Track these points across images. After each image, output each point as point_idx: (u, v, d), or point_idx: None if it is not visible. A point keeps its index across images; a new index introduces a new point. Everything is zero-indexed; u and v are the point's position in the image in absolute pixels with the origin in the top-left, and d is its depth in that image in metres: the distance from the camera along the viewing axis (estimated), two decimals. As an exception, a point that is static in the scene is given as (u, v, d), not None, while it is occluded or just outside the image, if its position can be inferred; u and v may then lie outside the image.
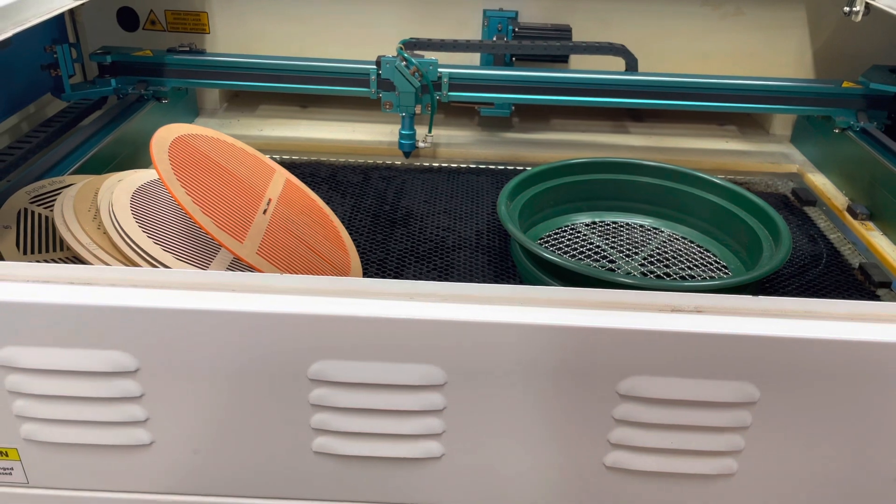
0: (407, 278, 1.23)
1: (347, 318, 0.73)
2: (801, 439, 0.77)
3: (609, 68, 1.67)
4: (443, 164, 1.67)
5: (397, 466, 0.82)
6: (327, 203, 1.34)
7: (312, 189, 1.35)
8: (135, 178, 1.15)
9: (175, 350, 0.75)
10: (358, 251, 1.28)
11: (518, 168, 1.64)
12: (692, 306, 0.74)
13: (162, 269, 0.97)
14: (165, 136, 1.10)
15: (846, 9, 1.51)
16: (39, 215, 1.11)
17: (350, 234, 1.31)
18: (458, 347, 0.74)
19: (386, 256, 1.30)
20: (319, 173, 1.59)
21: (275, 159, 1.44)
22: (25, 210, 1.11)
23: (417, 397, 0.77)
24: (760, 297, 0.75)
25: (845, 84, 1.61)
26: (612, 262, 1.28)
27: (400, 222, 1.41)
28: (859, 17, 1.49)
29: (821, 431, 0.77)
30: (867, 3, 1.47)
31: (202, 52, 1.68)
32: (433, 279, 1.23)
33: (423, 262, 1.29)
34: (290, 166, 1.58)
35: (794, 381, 0.74)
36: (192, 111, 1.82)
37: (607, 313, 0.73)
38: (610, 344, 0.73)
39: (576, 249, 1.31)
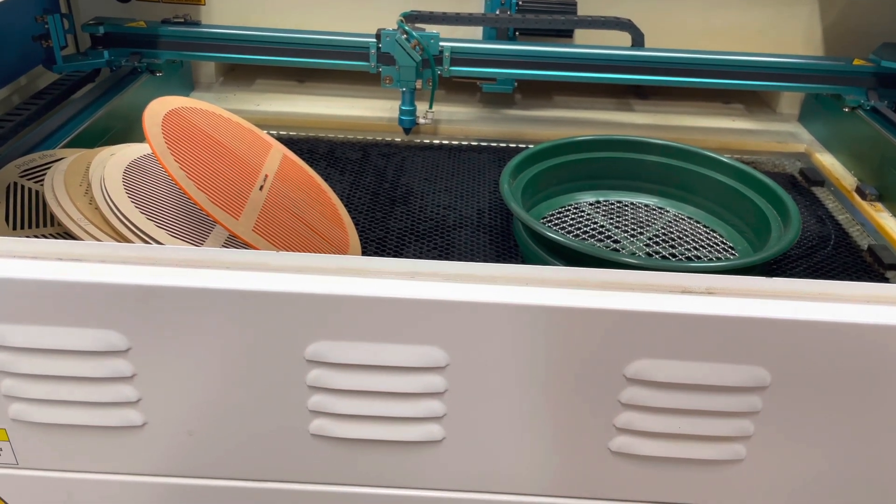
0: (407, 257, 1.20)
1: (346, 298, 0.71)
2: (812, 425, 0.75)
3: (615, 43, 1.63)
4: (444, 141, 1.64)
5: (397, 450, 0.80)
6: (325, 180, 1.31)
7: (310, 165, 1.32)
8: (128, 153, 1.12)
9: (167, 329, 0.73)
10: (357, 229, 1.25)
11: (521, 146, 1.61)
12: (703, 287, 0.71)
13: (154, 245, 0.95)
14: (159, 109, 1.07)
15: (859, -17, 1.47)
16: (29, 190, 1.08)
17: (349, 211, 1.28)
18: (460, 328, 0.72)
19: (385, 235, 1.27)
20: (317, 149, 1.56)
21: (272, 135, 1.41)
22: (15, 184, 1.08)
23: (418, 379, 0.75)
24: (774, 278, 0.72)
25: (856, 62, 1.57)
26: (616, 241, 1.25)
27: (400, 200, 1.38)
28: (873, -8, 1.45)
29: (833, 417, 0.74)
30: (881, -22, 1.43)
31: (197, 24, 1.64)
32: (434, 258, 1.20)
33: (424, 240, 1.26)
34: (288, 142, 1.55)
35: (806, 365, 0.71)
36: (187, 85, 1.78)
37: (615, 294, 0.71)
38: (617, 326, 0.70)
39: (580, 229, 1.29)
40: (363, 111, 1.72)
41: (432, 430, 0.78)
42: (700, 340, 0.70)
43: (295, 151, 1.32)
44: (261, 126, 1.33)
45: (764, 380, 0.72)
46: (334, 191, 1.30)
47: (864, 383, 0.72)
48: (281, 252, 0.75)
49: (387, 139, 1.63)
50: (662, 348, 0.71)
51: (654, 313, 0.69)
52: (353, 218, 1.27)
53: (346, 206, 1.29)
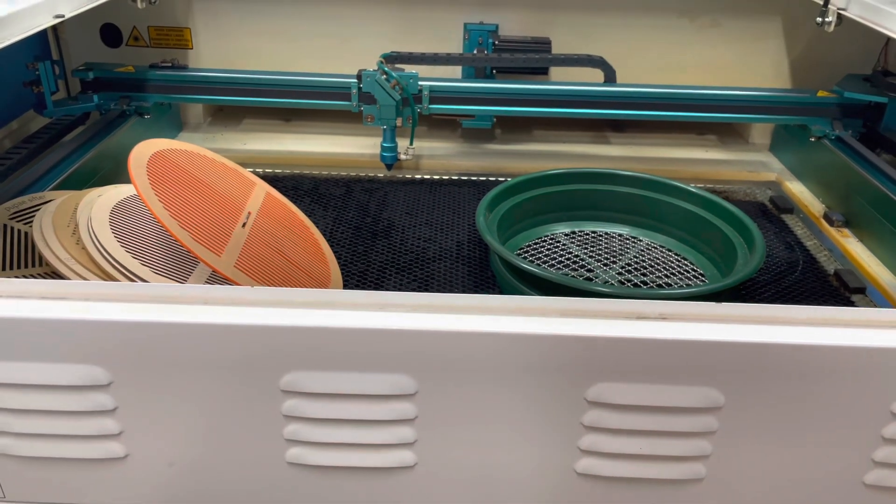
0: (387, 290, 1.24)
1: (318, 329, 0.74)
2: (767, 443, 0.78)
3: (588, 80, 1.69)
4: (425, 176, 1.68)
5: (371, 476, 0.83)
6: (309, 216, 1.35)
7: (294, 202, 1.36)
8: (115, 194, 1.16)
9: (147, 363, 0.76)
10: (339, 263, 1.28)
11: (500, 179, 1.66)
12: (656, 313, 0.75)
13: (132, 282, 0.98)
14: (144, 151, 1.11)
15: (819, 19, 1.53)
16: (19, 231, 1.12)
17: (331, 246, 1.32)
18: (428, 357, 0.75)
19: (367, 268, 1.31)
20: (302, 186, 1.60)
21: (258, 173, 1.45)
22: (5, 226, 1.12)
23: (389, 407, 0.78)
24: (723, 303, 0.76)
25: (820, 93, 1.63)
26: (590, 271, 1.29)
27: (381, 234, 1.42)
28: (832, 28, 1.51)
29: (786, 435, 0.78)
30: (839, 14, 1.49)
31: (185, 68, 1.70)
32: (413, 290, 1.24)
33: (404, 273, 1.30)
34: (274, 180, 1.59)
35: (757, 386, 0.75)
36: (175, 126, 1.83)
37: (573, 321, 0.74)
38: (577, 351, 0.74)
39: (555, 259, 1.33)
40: (346, 148, 1.77)
41: (404, 457, 0.81)
42: (655, 364, 0.74)
43: (280, 188, 1.37)
44: (247, 164, 1.37)
45: (717, 401, 0.75)
46: (318, 226, 1.34)
47: (811, 401, 0.75)
48: (256, 287, 0.79)
49: (369, 175, 1.68)
50: (620, 372, 0.74)
51: (610, 338, 0.73)
52: (335, 252, 1.31)
53: (328, 240, 1.33)
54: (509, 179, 1.40)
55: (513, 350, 0.74)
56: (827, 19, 1.51)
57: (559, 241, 1.39)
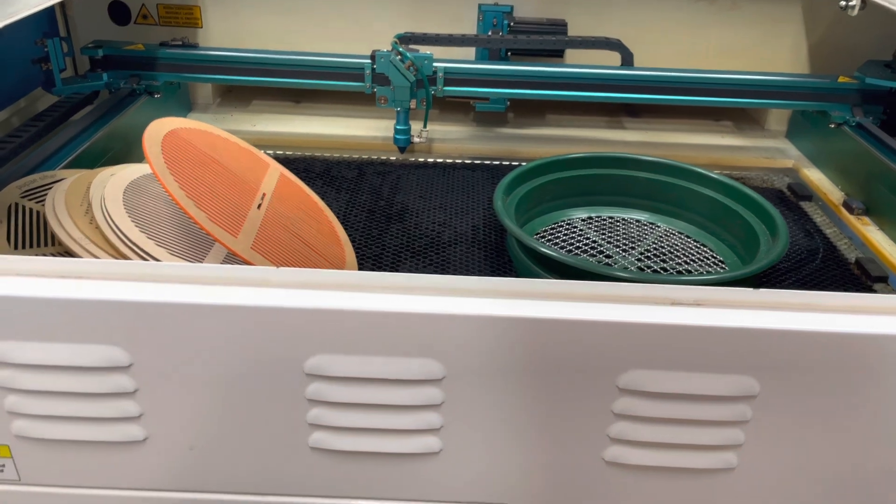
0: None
1: (344, 312, 0.73)
2: (801, 433, 0.77)
3: (605, 63, 1.66)
4: (438, 160, 1.66)
5: (395, 462, 0.81)
6: (322, 198, 1.33)
7: (307, 184, 1.34)
8: (127, 173, 1.14)
9: (169, 345, 0.74)
10: (353, 246, 1.27)
11: (514, 163, 1.64)
12: (692, 299, 0.73)
13: (154, 262, 0.96)
14: (158, 130, 1.09)
15: (842, 3, 1.51)
16: (31, 210, 1.10)
17: (345, 229, 1.30)
18: (456, 341, 0.74)
19: (381, 252, 1.29)
20: (314, 168, 1.58)
21: (269, 154, 1.43)
22: (16, 205, 1.10)
23: (415, 392, 0.76)
24: (761, 289, 0.74)
25: (841, 79, 1.61)
26: (608, 256, 1.27)
27: (395, 218, 1.40)
28: (856, 11, 1.49)
29: (821, 425, 0.76)
30: (863, -3, 1.47)
31: (195, 47, 1.67)
32: (430, 274, 1.22)
33: (419, 257, 1.28)
34: (285, 161, 1.57)
35: (793, 374, 0.73)
36: (184, 106, 1.80)
37: (606, 306, 0.72)
38: (609, 337, 0.72)
39: (572, 244, 1.31)
40: (359, 131, 1.74)
41: (430, 443, 0.79)
42: (689, 351, 0.72)
43: (292, 171, 1.34)
44: (258, 146, 1.35)
45: (752, 389, 0.74)
46: (331, 209, 1.32)
47: (849, 390, 0.74)
48: (280, 268, 0.77)
49: (382, 158, 1.66)
50: (653, 359, 0.73)
51: (644, 324, 0.71)
52: (349, 235, 1.29)
53: (342, 223, 1.31)
54: (525, 163, 1.38)
55: (545, 335, 0.72)
56: (851, 3, 1.49)
57: (576, 227, 1.37)
